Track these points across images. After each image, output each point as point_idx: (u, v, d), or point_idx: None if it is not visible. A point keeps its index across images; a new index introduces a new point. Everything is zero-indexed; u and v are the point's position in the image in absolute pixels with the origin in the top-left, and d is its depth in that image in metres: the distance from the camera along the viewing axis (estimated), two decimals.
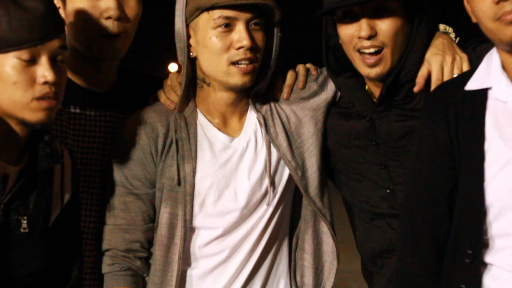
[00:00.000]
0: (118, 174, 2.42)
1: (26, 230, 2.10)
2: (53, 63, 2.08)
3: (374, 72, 2.34)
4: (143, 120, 2.42)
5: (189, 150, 2.40)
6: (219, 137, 2.45)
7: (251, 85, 2.41)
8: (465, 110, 2.12)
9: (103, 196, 2.47)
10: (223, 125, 2.47)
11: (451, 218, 2.12)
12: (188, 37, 2.40)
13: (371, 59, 2.33)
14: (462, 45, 2.40)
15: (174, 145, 2.40)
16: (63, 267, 2.26)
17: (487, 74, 2.12)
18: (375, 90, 2.43)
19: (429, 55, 2.36)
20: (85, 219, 2.48)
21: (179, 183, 2.39)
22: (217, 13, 2.33)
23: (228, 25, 2.34)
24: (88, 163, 2.50)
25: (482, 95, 2.10)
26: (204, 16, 2.36)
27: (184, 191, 2.39)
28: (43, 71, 2.06)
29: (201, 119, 2.45)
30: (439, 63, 2.33)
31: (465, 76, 2.18)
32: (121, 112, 2.55)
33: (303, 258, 2.57)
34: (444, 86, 2.26)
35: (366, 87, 2.47)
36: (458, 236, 2.10)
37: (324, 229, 2.55)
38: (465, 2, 2.10)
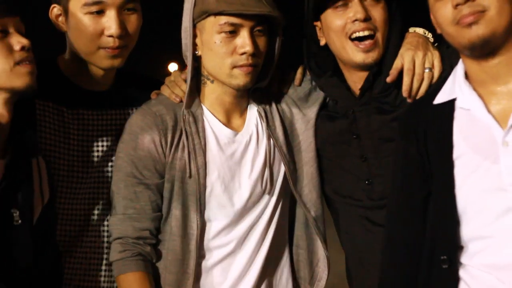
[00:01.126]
0: (129, 165, 2.47)
1: (20, 222, 2.14)
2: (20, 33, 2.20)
3: (370, 57, 2.43)
4: (152, 112, 2.48)
5: (200, 143, 2.47)
6: (225, 132, 2.52)
7: (252, 84, 2.48)
8: (434, 122, 2.19)
9: (111, 187, 2.51)
10: (227, 121, 2.54)
11: (424, 227, 2.17)
12: (194, 36, 2.46)
13: (366, 45, 2.41)
14: (437, 46, 2.47)
15: (184, 139, 2.45)
16: (48, 267, 2.33)
17: (453, 86, 2.19)
18: (355, 85, 2.51)
19: (402, 50, 2.44)
20: (88, 217, 2.52)
21: (190, 175, 2.44)
22: (223, 19, 2.41)
23: (233, 32, 2.41)
24: (91, 162, 2.53)
25: (449, 106, 2.17)
26: (211, 19, 2.43)
27: (198, 183, 2.45)
28: (17, 39, 2.18)
29: (207, 114, 2.52)
30: (411, 56, 2.41)
31: (434, 92, 2.24)
32: (120, 109, 2.59)
33: (298, 253, 2.64)
34: (416, 103, 2.34)
35: (349, 84, 2.54)
36: (432, 242, 2.15)
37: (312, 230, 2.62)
38: (431, 15, 2.17)
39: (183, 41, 2.49)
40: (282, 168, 2.57)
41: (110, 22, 2.44)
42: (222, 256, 2.52)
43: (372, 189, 2.49)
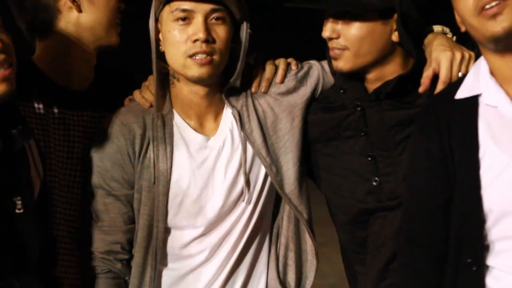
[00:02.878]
0: (97, 176, 2.42)
1: (22, 211, 2.10)
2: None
3: (336, 65, 2.39)
4: (119, 121, 2.42)
5: (164, 150, 2.40)
6: (195, 138, 2.44)
7: (211, 76, 2.39)
8: (457, 119, 2.11)
9: (85, 198, 2.48)
10: (199, 126, 2.46)
11: (447, 230, 2.12)
12: (158, 31, 2.42)
13: (333, 53, 2.38)
14: (462, 44, 2.40)
15: (151, 148, 2.40)
16: (51, 249, 2.29)
17: (476, 81, 2.11)
18: (370, 82, 2.43)
19: (437, 52, 2.34)
20: (68, 219, 2.48)
21: (154, 181, 2.39)
22: (175, 5, 2.35)
23: (186, 18, 2.35)
24: (71, 163, 2.49)
25: (472, 102, 2.10)
26: (166, 9, 2.37)
27: (158, 191, 2.39)
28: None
29: (177, 119, 2.44)
30: (449, 60, 2.32)
31: (454, 86, 2.18)
32: (99, 111, 2.56)
33: (287, 256, 2.56)
34: (435, 98, 2.26)
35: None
36: (458, 245, 2.09)
37: (302, 226, 2.54)
38: (455, 12, 2.09)
39: (151, 36, 2.44)
40: (262, 173, 2.47)
41: None
42: (195, 265, 2.46)
43: (380, 190, 2.40)
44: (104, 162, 2.41)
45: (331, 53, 2.38)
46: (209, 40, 2.34)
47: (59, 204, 2.47)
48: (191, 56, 2.34)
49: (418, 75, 2.36)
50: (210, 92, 2.44)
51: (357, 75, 2.44)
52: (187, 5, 2.34)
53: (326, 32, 2.36)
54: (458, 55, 2.32)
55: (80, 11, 2.53)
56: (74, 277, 2.48)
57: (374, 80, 2.41)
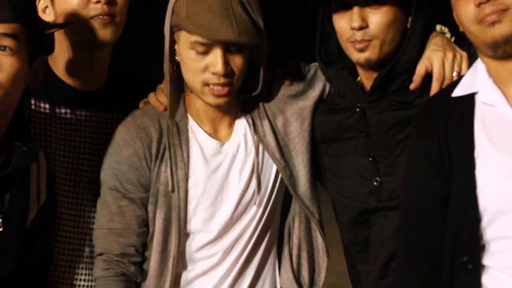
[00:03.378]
0: (112, 178, 2.41)
1: (1, 229, 2.08)
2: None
3: (363, 57, 2.35)
4: (136, 124, 2.41)
5: (182, 156, 2.40)
6: (210, 143, 2.44)
7: (227, 104, 2.38)
8: (453, 118, 2.13)
9: (96, 199, 2.47)
10: (214, 131, 2.45)
11: (444, 229, 2.12)
12: (173, 41, 2.37)
13: (360, 44, 2.34)
14: (457, 45, 2.40)
15: (167, 152, 2.39)
16: (36, 269, 2.27)
17: (473, 80, 2.13)
18: (367, 81, 2.43)
19: (429, 52, 2.36)
20: (75, 219, 2.48)
21: (173, 190, 2.38)
22: (194, 37, 2.28)
23: (205, 51, 2.29)
24: (78, 164, 2.50)
25: (469, 101, 2.12)
26: (184, 33, 2.31)
27: (178, 197, 2.39)
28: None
29: (192, 125, 2.44)
30: (440, 59, 2.33)
31: (452, 86, 2.20)
32: (110, 112, 2.56)
33: (300, 256, 2.58)
34: (433, 98, 2.28)
35: (358, 78, 2.48)
36: (454, 244, 2.10)
37: (313, 226, 2.56)
38: (453, 12, 2.11)
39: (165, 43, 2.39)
40: (273, 176, 2.49)
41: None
42: (206, 268, 2.46)
43: (381, 190, 2.42)
44: (121, 164, 2.39)
45: (358, 45, 2.34)
46: (228, 73, 2.31)
47: (64, 204, 2.47)
48: (208, 85, 2.32)
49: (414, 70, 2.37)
50: (224, 106, 2.43)
51: (352, 78, 2.46)
52: (207, 40, 2.27)
53: (355, 22, 2.31)
54: (449, 55, 2.34)
55: (53, 19, 2.50)
56: (88, 283, 2.50)
57: (367, 79, 2.41)
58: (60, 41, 2.53)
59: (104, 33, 2.46)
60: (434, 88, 2.32)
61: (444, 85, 2.32)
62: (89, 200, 2.50)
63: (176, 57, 2.37)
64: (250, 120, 2.46)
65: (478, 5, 2.01)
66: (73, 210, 2.49)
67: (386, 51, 2.36)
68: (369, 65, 2.38)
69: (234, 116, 2.48)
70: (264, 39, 2.37)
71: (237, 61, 2.32)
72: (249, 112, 2.48)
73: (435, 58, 2.33)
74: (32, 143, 2.17)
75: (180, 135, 2.41)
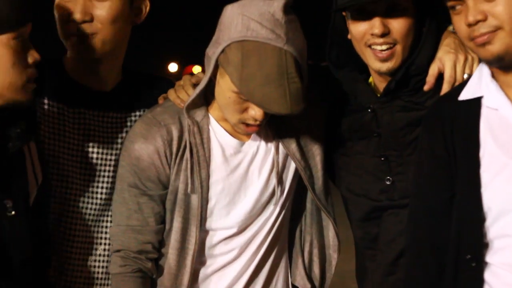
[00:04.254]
0: (132, 175, 2.41)
1: (13, 213, 2.09)
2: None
3: (385, 66, 2.37)
4: (157, 121, 2.41)
5: (204, 155, 2.40)
6: (230, 142, 2.45)
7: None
8: (459, 119, 2.16)
9: (114, 197, 2.47)
10: (234, 130, 2.45)
11: (449, 227, 2.16)
12: (216, 67, 2.31)
13: (383, 54, 2.36)
14: None
15: (188, 151, 2.39)
16: (44, 252, 2.29)
17: (479, 83, 2.17)
18: (380, 83, 2.47)
19: (441, 53, 2.39)
20: (88, 213, 2.49)
21: (192, 190, 2.39)
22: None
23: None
24: (92, 164, 2.51)
25: (475, 104, 2.15)
26: (228, 78, 2.28)
27: (201, 196, 2.39)
28: (32, 52, 2.11)
29: (213, 124, 2.44)
30: (452, 61, 2.36)
31: (459, 87, 2.23)
32: (124, 112, 2.56)
33: (312, 252, 2.62)
34: (440, 99, 2.31)
35: (370, 79, 2.51)
36: (458, 241, 2.13)
37: (325, 223, 2.59)
38: None
39: (206, 60, 2.36)
40: (290, 176, 2.52)
41: (77, 7, 2.41)
42: (222, 264, 2.48)
43: (393, 189, 2.45)
44: (141, 162, 2.39)
45: (379, 54, 2.36)
46: (264, 118, 2.31)
47: (79, 203, 2.48)
48: (243, 123, 2.34)
49: (426, 74, 2.40)
50: None
51: (363, 80, 2.49)
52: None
53: (377, 29, 2.33)
54: (461, 57, 2.37)
55: None
56: (100, 277, 2.51)
57: (389, 77, 2.43)
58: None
59: (84, 49, 2.44)
60: (445, 89, 2.35)
61: (455, 86, 2.34)
62: (104, 199, 2.51)
63: (213, 79, 2.35)
64: (271, 122, 2.46)
65: (469, 25, 2.05)
66: (89, 210, 2.50)
67: (404, 56, 2.39)
68: (389, 73, 2.41)
69: None
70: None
71: None
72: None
73: (447, 60, 2.36)
74: (23, 124, 2.18)
75: (201, 134, 2.41)
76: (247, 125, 2.34)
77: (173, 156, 2.39)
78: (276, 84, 2.21)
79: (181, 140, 2.40)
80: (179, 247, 2.42)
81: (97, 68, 2.53)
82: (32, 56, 2.11)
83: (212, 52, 2.30)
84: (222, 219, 2.45)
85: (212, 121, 2.44)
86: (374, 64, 2.38)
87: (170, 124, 2.40)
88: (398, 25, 2.35)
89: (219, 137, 2.44)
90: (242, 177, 2.45)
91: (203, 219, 2.42)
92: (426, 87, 2.38)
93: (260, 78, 2.20)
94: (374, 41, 2.35)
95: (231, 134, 2.45)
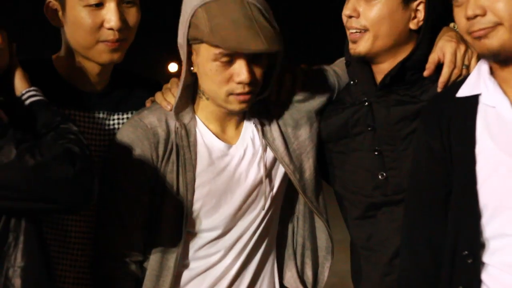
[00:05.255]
0: (118, 177, 2.40)
1: None
2: None
3: (353, 49, 2.42)
4: (143, 124, 2.40)
5: (190, 158, 2.40)
6: (217, 145, 2.44)
7: (249, 107, 2.40)
8: (457, 116, 2.17)
9: (98, 199, 2.40)
10: (221, 132, 2.45)
11: (447, 223, 2.16)
12: (190, 53, 2.35)
13: (351, 36, 2.41)
14: None
15: (174, 154, 2.39)
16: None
17: (477, 80, 2.17)
18: (378, 75, 2.48)
19: (442, 42, 2.39)
20: (80, 219, 2.47)
21: (178, 192, 2.38)
22: (218, 49, 2.27)
23: (229, 61, 2.30)
24: None
25: (472, 101, 2.15)
26: (205, 46, 2.30)
27: (186, 199, 2.39)
28: None
29: (200, 126, 2.43)
30: (453, 48, 2.37)
31: (457, 84, 2.23)
32: (113, 113, 2.55)
33: (304, 254, 2.61)
34: (438, 95, 2.31)
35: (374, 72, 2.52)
36: (455, 239, 2.13)
37: (318, 224, 2.59)
38: None
39: (180, 54, 2.40)
40: (279, 179, 2.51)
41: (109, 14, 2.40)
42: (206, 266, 2.47)
43: (387, 184, 2.45)
44: (127, 164, 2.39)
45: (351, 36, 2.40)
46: (251, 81, 2.32)
47: None
48: (232, 94, 2.33)
49: (424, 66, 2.40)
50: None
51: (368, 68, 2.49)
52: (229, 52, 2.27)
53: (347, 10, 2.39)
54: (462, 47, 2.37)
55: (62, 26, 2.49)
56: (86, 278, 2.49)
57: (385, 70, 2.44)
58: (67, 45, 2.51)
59: (112, 56, 2.45)
60: (444, 73, 2.35)
61: (454, 74, 2.35)
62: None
63: (192, 68, 2.37)
64: (258, 125, 2.46)
65: (468, 19, 2.06)
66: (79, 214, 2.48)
67: (380, 46, 2.40)
68: (363, 59, 2.43)
69: (241, 119, 2.49)
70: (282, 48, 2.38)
71: (259, 69, 2.33)
72: (258, 116, 2.49)
73: (448, 47, 2.37)
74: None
75: (188, 137, 2.41)
76: (238, 95, 2.34)
77: (159, 159, 2.38)
78: (247, 26, 2.23)
79: (167, 143, 2.39)
80: (163, 249, 2.40)
81: (100, 71, 2.53)
82: None
83: (182, 34, 2.33)
84: (207, 221, 2.43)
85: (199, 123, 2.44)
86: (349, 45, 2.43)
87: (157, 126, 2.39)
88: (369, 11, 2.38)
89: (206, 139, 2.43)
90: (229, 180, 2.44)
91: (188, 222, 2.41)
92: (426, 73, 2.38)
93: (230, 24, 2.23)
94: (347, 24, 2.41)
95: (218, 137, 2.45)
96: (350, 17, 2.39)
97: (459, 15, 2.10)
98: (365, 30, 2.39)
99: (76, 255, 2.48)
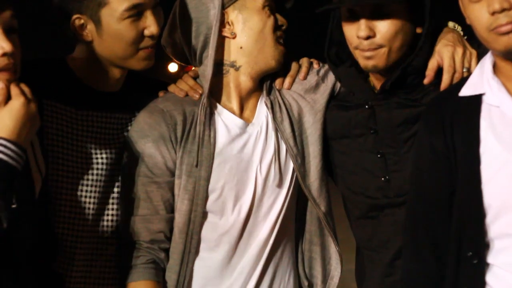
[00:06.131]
0: (139, 164, 2.42)
1: (15, 206, 2.07)
2: (8, 34, 2.05)
3: (370, 64, 2.38)
4: (159, 108, 2.43)
5: (208, 136, 2.42)
6: (236, 122, 2.48)
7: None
8: (460, 115, 2.15)
9: (121, 189, 2.48)
10: (239, 111, 2.51)
11: (450, 224, 2.14)
12: (222, 22, 2.46)
13: (367, 53, 2.37)
14: (469, 42, 2.42)
15: (191, 135, 2.42)
16: (49, 244, 2.30)
17: (480, 80, 2.15)
18: (377, 81, 2.47)
19: (439, 46, 2.39)
20: (95, 213, 2.49)
21: (197, 165, 2.40)
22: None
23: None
24: (98, 164, 2.50)
25: (476, 100, 2.13)
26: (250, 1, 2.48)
27: (200, 175, 2.40)
28: (0, 42, 2.03)
29: (218, 105, 2.49)
30: (450, 52, 2.36)
31: (460, 84, 2.21)
32: (130, 113, 2.57)
33: (312, 250, 2.60)
34: (440, 95, 2.30)
35: (370, 79, 2.50)
36: (459, 239, 2.12)
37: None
38: (461, 5, 2.11)
39: (203, 33, 2.48)
40: (291, 162, 2.52)
41: (149, 22, 2.44)
42: (231, 252, 2.47)
43: (389, 186, 2.44)
44: (146, 149, 2.41)
45: (366, 53, 2.37)
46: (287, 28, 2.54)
47: (85, 204, 2.48)
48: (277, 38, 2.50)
49: (424, 69, 2.39)
50: (260, 80, 2.55)
51: (362, 77, 2.49)
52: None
53: (362, 32, 2.35)
54: (459, 50, 2.36)
55: (91, 40, 2.49)
56: (108, 270, 2.51)
57: (384, 75, 2.43)
58: (89, 47, 2.51)
59: (150, 62, 2.51)
60: (445, 79, 2.35)
61: (455, 78, 2.34)
62: (110, 198, 2.51)
63: (228, 35, 2.49)
64: (269, 105, 2.51)
65: (493, 13, 2.00)
66: (94, 210, 2.49)
67: (394, 58, 2.39)
68: (377, 71, 2.41)
69: (258, 99, 2.55)
70: None
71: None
72: (269, 97, 2.54)
73: (445, 52, 2.36)
74: None
75: (207, 114, 2.43)
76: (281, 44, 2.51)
77: (178, 140, 2.42)
78: None
79: (185, 124, 2.43)
80: (186, 230, 2.42)
81: (121, 75, 2.55)
82: (1, 48, 2.03)
83: (210, 12, 2.46)
84: (229, 201, 2.44)
85: (217, 103, 2.49)
86: (361, 61, 2.40)
87: (173, 110, 2.43)
88: (383, 29, 2.35)
89: (225, 118, 2.47)
90: (248, 159, 2.47)
91: (201, 198, 2.41)
92: (426, 81, 2.37)
93: None
94: (362, 47, 2.36)
95: (236, 115, 2.49)
96: (368, 38, 2.35)
97: (480, 11, 2.03)
98: (381, 47, 2.36)
99: (100, 249, 2.50)
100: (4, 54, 2.03)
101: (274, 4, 2.51)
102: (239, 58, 2.50)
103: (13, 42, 2.06)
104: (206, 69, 2.47)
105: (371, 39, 2.35)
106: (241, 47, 2.50)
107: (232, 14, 2.48)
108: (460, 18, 2.24)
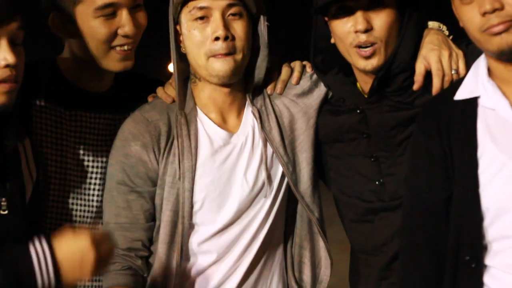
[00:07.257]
0: (120, 172, 2.42)
1: (6, 212, 2.08)
2: (13, 45, 2.05)
3: (370, 64, 2.36)
4: (144, 118, 2.42)
5: (189, 147, 2.41)
6: (219, 133, 2.46)
7: (234, 74, 2.41)
8: (456, 119, 2.14)
9: (104, 195, 2.47)
10: (222, 121, 2.48)
11: (448, 228, 2.13)
12: (177, 33, 2.44)
13: (366, 52, 2.34)
14: (455, 43, 2.41)
15: (175, 141, 2.40)
16: None
17: (475, 83, 2.14)
18: (365, 84, 2.44)
19: (425, 51, 2.37)
20: (83, 215, 2.49)
21: (179, 177, 2.39)
22: (191, 5, 2.38)
23: (204, 17, 2.37)
24: (87, 165, 2.51)
25: (472, 103, 2.13)
26: (184, 10, 2.40)
27: (183, 187, 2.39)
28: (4, 54, 2.03)
29: (201, 116, 2.46)
30: (436, 56, 2.34)
31: (454, 86, 2.20)
32: (118, 113, 2.57)
33: (302, 254, 2.59)
34: (435, 98, 2.28)
35: (358, 84, 2.49)
36: (457, 243, 2.11)
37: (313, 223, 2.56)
38: (453, 7, 2.11)
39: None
40: (280, 171, 2.51)
41: (124, 22, 2.44)
42: (212, 261, 2.47)
43: (384, 189, 2.43)
44: (129, 158, 2.41)
45: (362, 53, 2.34)
46: (228, 36, 2.36)
47: (69, 205, 2.48)
48: (213, 56, 2.38)
49: (411, 67, 2.37)
50: (233, 90, 2.47)
51: (350, 82, 2.47)
52: (204, 3, 2.37)
53: (360, 25, 2.32)
54: (445, 53, 2.34)
55: (70, 38, 2.50)
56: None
57: (372, 77, 2.41)
58: (72, 47, 2.52)
59: (125, 64, 2.50)
60: (436, 83, 2.33)
61: (445, 81, 2.33)
62: (100, 201, 2.51)
63: (182, 49, 2.43)
64: (257, 114, 2.48)
65: (484, 14, 2.00)
66: (85, 211, 2.50)
67: (389, 53, 2.37)
68: (374, 71, 2.38)
69: (242, 108, 2.51)
70: (261, 5, 2.46)
71: (236, 26, 2.40)
72: (256, 105, 2.50)
73: (431, 57, 2.34)
74: (18, 123, 2.17)
75: (188, 126, 2.43)
76: (216, 56, 2.38)
77: (161, 151, 2.41)
78: None
79: (169, 135, 2.42)
80: (168, 240, 2.41)
81: (108, 75, 2.55)
82: (4, 59, 2.03)
83: (170, 23, 2.41)
84: (213, 211, 2.44)
85: (200, 113, 2.47)
86: (359, 62, 2.37)
87: (158, 120, 2.43)
88: (380, 21, 2.34)
89: (207, 128, 2.45)
90: (231, 169, 2.45)
91: (186, 210, 2.41)
92: (415, 87, 2.35)
93: None
94: (359, 40, 2.33)
95: (219, 126, 2.46)
96: (366, 31, 2.32)
97: (471, 12, 2.03)
98: (375, 42, 2.34)
99: None
100: (7, 66, 2.03)
101: (214, 10, 2.39)
102: (195, 69, 2.46)
103: (17, 54, 2.06)
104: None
105: (369, 32, 2.33)
106: (190, 62, 2.47)
107: (180, 30, 2.45)
108: (446, 17, 2.24)
